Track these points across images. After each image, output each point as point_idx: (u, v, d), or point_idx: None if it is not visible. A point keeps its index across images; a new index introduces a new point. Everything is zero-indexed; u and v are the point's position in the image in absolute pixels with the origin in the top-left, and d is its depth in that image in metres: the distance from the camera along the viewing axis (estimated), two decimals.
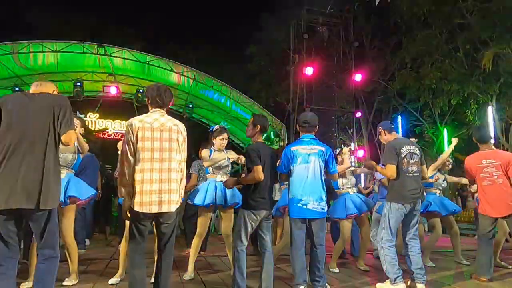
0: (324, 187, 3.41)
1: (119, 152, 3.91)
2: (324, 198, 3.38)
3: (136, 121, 2.67)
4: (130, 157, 2.60)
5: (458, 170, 6.77)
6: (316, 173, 3.35)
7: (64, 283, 3.44)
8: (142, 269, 2.63)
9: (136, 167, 2.60)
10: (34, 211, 2.27)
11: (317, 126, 3.54)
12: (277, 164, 3.49)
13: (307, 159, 3.35)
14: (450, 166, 5.26)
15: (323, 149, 3.43)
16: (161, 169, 2.62)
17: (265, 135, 3.77)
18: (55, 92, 2.69)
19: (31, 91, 2.57)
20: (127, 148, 2.61)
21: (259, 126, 3.36)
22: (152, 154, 2.61)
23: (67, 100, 2.51)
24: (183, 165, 2.81)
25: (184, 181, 2.84)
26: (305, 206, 3.28)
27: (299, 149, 3.39)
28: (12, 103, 2.38)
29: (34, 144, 2.30)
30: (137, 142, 2.61)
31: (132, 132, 2.62)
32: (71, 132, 2.40)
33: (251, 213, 3.18)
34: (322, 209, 3.35)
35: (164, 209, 2.60)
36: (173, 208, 2.65)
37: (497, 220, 4.03)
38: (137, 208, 2.56)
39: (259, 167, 3.14)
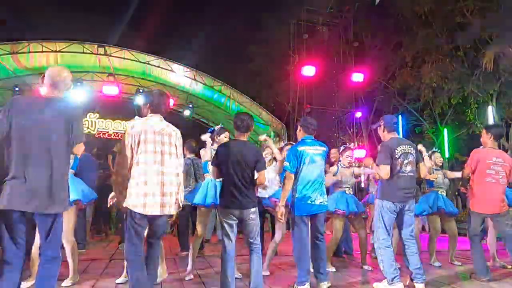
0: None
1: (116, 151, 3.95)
2: (325, 192, 3.66)
3: (138, 123, 2.69)
4: (128, 159, 2.63)
5: (458, 170, 6.74)
6: (321, 171, 3.61)
7: (63, 284, 3.43)
8: (143, 271, 2.64)
9: (136, 169, 2.61)
10: (44, 214, 2.32)
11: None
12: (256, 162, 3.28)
13: (314, 159, 3.53)
14: (441, 161, 5.30)
15: (324, 149, 3.69)
16: (162, 172, 2.66)
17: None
18: (69, 79, 2.56)
19: (45, 94, 2.52)
20: (126, 149, 2.63)
21: (234, 123, 3.33)
22: (153, 156, 2.64)
23: (81, 110, 2.58)
24: (181, 169, 2.85)
25: (182, 186, 2.86)
26: (313, 203, 3.48)
27: (306, 150, 3.53)
28: (26, 105, 2.38)
29: (48, 150, 2.34)
30: (138, 145, 2.62)
31: (134, 134, 2.63)
32: (80, 145, 2.50)
33: (222, 211, 3.12)
34: (326, 202, 3.65)
35: (166, 211, 2.65)
36: (173, 210, 2.69)
37: (484, 219, 4.09)
38: (136, 209, 2.57)
39: (213, 168, 3.24)
